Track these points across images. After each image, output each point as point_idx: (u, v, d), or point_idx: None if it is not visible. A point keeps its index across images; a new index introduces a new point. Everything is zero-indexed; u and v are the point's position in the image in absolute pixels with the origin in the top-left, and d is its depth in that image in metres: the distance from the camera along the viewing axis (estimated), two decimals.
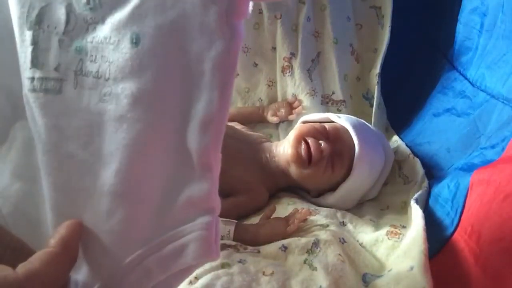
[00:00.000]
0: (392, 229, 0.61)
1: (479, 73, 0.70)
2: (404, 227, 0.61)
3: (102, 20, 0.27)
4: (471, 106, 0.70)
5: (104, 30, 0.27)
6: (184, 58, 0.26)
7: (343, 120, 0.74)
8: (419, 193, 0.64)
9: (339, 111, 0.88)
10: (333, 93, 0.89)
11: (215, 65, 0.26)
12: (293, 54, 0.89)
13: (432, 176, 0.70)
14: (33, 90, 0.28)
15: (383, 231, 0.61)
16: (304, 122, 0.78)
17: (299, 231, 0.59)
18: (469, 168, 0.59)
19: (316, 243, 0.55)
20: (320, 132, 0.71)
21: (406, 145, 0.80)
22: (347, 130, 0.72)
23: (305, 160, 0.68)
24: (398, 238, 0.59)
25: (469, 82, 0.72)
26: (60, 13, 0.27)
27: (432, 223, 0.56)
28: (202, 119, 0.27)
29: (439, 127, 0.77)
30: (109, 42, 0.27)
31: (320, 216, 0.63)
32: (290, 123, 0.89)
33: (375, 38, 0.91)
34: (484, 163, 0.57)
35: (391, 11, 0.88)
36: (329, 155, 0.68)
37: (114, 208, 0.28)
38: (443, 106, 0.78)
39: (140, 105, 0.27)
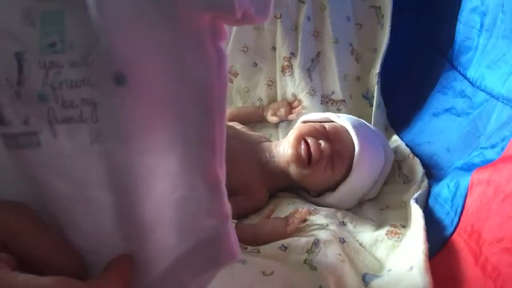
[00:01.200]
0: (392, 228, 0.61)
1: (479, 72, 0.70)
2: (404, 226, 0.61)
3: (70, 62, 0.24)
4: (471, 105, 0.70)
5: (75, 73, 0.25)
6: (174, 86, 0.26)
7: (343, 120, 0.74)
8: (419, 192, 0.64)
9: (339, 110, 0.88)
10: (333, 92, 0.89)
11: (208, 88, 0.26)
12: (293, 54, 0.89)
13: (432, 176, 0.70)
14: (11, 146, 0.26)
15: (383, 231, 0.61)
16: (304, 122, 0.78)
17: (299, 231, 0.59)
18: (469, 168, 0.59)
19: (316, 243, 0.55)
20: (320, 132, 0.71)
21: (406, 144, 0.80)
22: (347, 130, 0.72)
23: (305, 160, 0.68)
24: (398, 238, 0.59)
25: (469, 81, 0.72)
26: (9, 62, 0.25)
27: (432, 223, 0.56)
28: (204, 141, 0.27)
29: (439, 126, 0.77)
30: (88, 84, 0.24)
31: (320, 216, 0.63)
32: (290, 123, 0.89)
33: (375, 38, 0.91)
34: (484, 162, 0.57)
35: (391, 11, 0.88)
36: (329, 155, 0.68)
37: (131, 232, 0.28)
38: (443, 106, 0.78)
39: (140, 138, 0.26)
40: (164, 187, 0.28)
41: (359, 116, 0.80)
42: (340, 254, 0.53)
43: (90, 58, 0.24)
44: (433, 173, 0.71)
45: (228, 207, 0.29)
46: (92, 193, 0.27)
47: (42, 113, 0.25)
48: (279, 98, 0.92)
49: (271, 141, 0.79)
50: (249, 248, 0.56)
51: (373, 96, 0.88)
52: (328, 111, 0.86)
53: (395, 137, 0.84)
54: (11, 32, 0.25)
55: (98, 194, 0.27)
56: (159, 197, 0.28)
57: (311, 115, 0.81)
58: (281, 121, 0.90)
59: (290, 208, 0.65)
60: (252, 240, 0.58)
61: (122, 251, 0.28)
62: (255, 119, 0.89)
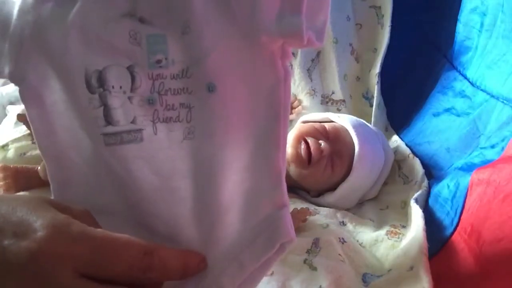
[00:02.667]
0: (392, 229, 0.61)
1: (479, 72, 0.70)
2: (404, 227, 0.61)
3: (172, 75, 0.31)
4: (470, 105, 0.70)
5: (176, 83, 0.31)
6: (251, 93, 0.32)
7: (343, 120, 0.74)
8: (419, 193, 0.64)
9: (338, 110, 0.88)
10: (333, 92, 0.89)
11: (277, 97, 0.31)
12: (292, 54, 0.89)
13: (432, 176, 0.70)
14: (111, 144, 0.31)
15: (383, 231, 0.61)
16: (304, 122, 0.78)
17: (299, 231, 0.59)
18: (469, 168, 0.59)
19: (316, 243, 0.55)
20: (320, 132, 0.71)
21: (406, 144, 0.80)
22: (347, 129, 0.72)
23: (305, 159, 0.68)
24: (398, 238, 0.59)
25: (469, 81, 0.72)
26: (123, 74, 0.30)
27: (432, 223, 0.56)
28: (271, 138, 0.32)
29: (438, 126, 0.77)
30: (186, 92, 0.31)
31: (320, 216, 0.64)
32: (289, 123, 0.88)
33: (375, 38, 0.91)
34: (484, 163, 0.57)
35: (391, 11, 0.88)
36: (329, 155, 0.68)
37: (204, 218, 0.32)
38: (442, 106, 0.78)
39: (222, 134, 0.32)
40: (237, 178, 0.32)
41: (359, 116, 0.80)
42: (340, 254, 0.53)
43: (189, 72, 0.31)
44: (433, 173, 0.71)
45: (286, 196, 0.33)
46: (177, 183, 0.32)
47: (148, 113, 0.31)
48: None
49: None
50: None
51: (373, 96, 0.89)
52: (328, 111, 0.86)
53: (395, 137, 0.84)
54: (122, 49, 0.30)
55: (182, 184, 0.32)
56: (231, 187, 0.32)
57: (311, 115, 0.81)
58: None
59: (290, 208, 0.65)
60: None
61: (195, 235, 0.32)
62: None
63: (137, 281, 0.28)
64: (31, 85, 0.31)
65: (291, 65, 0.89)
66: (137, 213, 0.33)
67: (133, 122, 0.31)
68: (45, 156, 0.33)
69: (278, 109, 0.32)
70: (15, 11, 0.30)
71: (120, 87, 0.31)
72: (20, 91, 0.31)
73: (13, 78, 0.30)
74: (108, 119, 0.31)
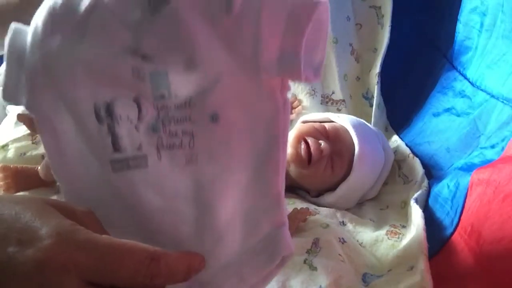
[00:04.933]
0: (392, 229, 0.61)
1: (478, 72, 0.70)
2: (404, 227, 0.61)
3: (176, 105, 0.32)
4: (470, 105, 0.70)
5: (179, 112, 0.32)
6: (252, 122, 0.33)
7: (343, 120, 0.74)
8: (418, 193, 0.64)
9: (338, 110, 0.88)
10: (333, 92, 0.89)
11: (276, 125, 0.33)
12: None
13: (432, 176, 0.70)
14: (119, 169, 0.33)
15: (383, 231, 0.61)
16: (304, 122, 0.78)
17: (299, 231, 0.59)
18: (469, 168, 0.59)
19: (316, 243, 0.55)
20: (320, 132, 0.71)
21: (406, 144, 0.80)
22: (347, 129, 0.72)
23: (305, 159, 0.68)
24: (398, 238, 0.59)
25: (469, 81, 0.72)
26: (130, 105, 0.32)
27: (432, 223, 0.56)
28: (271, 162, 0.33)
29: (438, 127, 0.77)
30: (189, 120, 0.32)
31: (320, 216, 0.64)
32: (290, 123, 0.88)
33: (375, 38, 0.91)
34: (484, 163, 0.57)
35: (391, 11, 0.88)
36: (328, 155, 0.68)
37: (205, 237, 0.34)
38: (442, 106, 0.78)
39: (224, 159, 0.33)
40: (237, 199, 0.34)
41: (359, 116, 0.80)
42: (340, 254, 0.53)
43: (192, 102, 0.32)
44: (433, 173, 0.71)
45: (285, 214, 0.35)
46: (180, 205, 0.34)
47: (153, 141, 0.32)
48: None
49: None
50: None
51: (373, 96, 0.89)
52: (328, 111, 0.86)
53: (395, 137, 0.84)
54: (126, 83, 0.31)
55: (185, 206, 0.34)
56: (232, 208, 0.34)
57: (311, 115, 0.81)
58: None
59: (290, 208, 0.65)
60: None
61: (198, 251, 0.33)
62: None
63: (143, 286, 0.28)
64: (44, 114, 0.32)
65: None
66: (144, 230, 0.34)
67: (139, 148, 0.33)
68: (57, 177, 0.34)
69: (277, 136, 0.33)
70: (28, 41, 0.31)
71: (128, 117, 0.32)
72: (34, 119, 0.33)
73: (29, 108, 0.32)
74: (116, 147, 0.32)
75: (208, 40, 0.31)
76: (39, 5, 0.32)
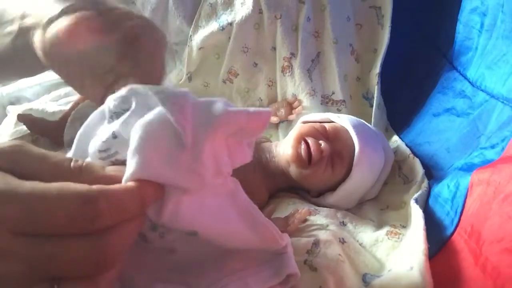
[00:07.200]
0: (392, 229, 0.61)
1: (479, 73, 0.70)
2: (404, 227, 0.61)
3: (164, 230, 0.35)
4: (471, 106, 0.70)
5: (168, 233, 0.35)
6: (228, 227, 0.36)
7: (343, 120, 0.74)
8: (419, 193, 0.64)
9: (339, 111, 0.88)
10: (333, 93, 0.89)
11: (240, 200, 0.39)
12: (293, 54, 0.89)
13: (432, 176, 0.70)
14: None
15: (383, 231, 0.61)
16: (304, 122, 0.78)
17: (299, 232, 0.59)
18: (469, 168, 0.59)
19: (316, 243, 0.55)
20: (320, 132, 0.71)
21: (406, 145, 0.80)
22: (347, 130, 0.72)
23: (305, 160, 0.68)
24: (398, 238, 0.59)
25: (469, 82, 0.72)
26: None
27: (432, 223, 0.56)
28: (257, 225, 0.37)
29: (439, 127, 0.77)
30: (171, 236, 0.35)
31: (320, 216, 0.63)
32: (290, 123, 0.89)
33: (375, 38, 0.91)
34: (484, 163, 0.57)
35: (391, 11, 0.88)
36: (329, 155, 0.68)
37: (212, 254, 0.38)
38: (443, 106, 0.78)
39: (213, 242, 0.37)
40: (238, 246, 0.38)
41: (359, 117, 0.80)
42: (340, 255, 0.53)
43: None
44: (433, 173, 0.71)
45: (287, 237, 0.41)
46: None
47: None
48: (279, 99, 0.92)
49: (271, 142, 0.79)
50: None
51: (373, 97, 0.88)
52: (328, 111, 0.86)
53: (395, 138, 0.84)
54: None
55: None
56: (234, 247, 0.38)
57: (311, 115, 0.81)
58: (281, 121, 0.90)
59: (290, 208, 0.65)
60: None
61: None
62: None
63: (89, 229, 0.26)
64: None
65: (291, 66, 0.89)
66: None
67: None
68: None
69: (247, 208, 0.38)
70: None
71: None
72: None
73: None
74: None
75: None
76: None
